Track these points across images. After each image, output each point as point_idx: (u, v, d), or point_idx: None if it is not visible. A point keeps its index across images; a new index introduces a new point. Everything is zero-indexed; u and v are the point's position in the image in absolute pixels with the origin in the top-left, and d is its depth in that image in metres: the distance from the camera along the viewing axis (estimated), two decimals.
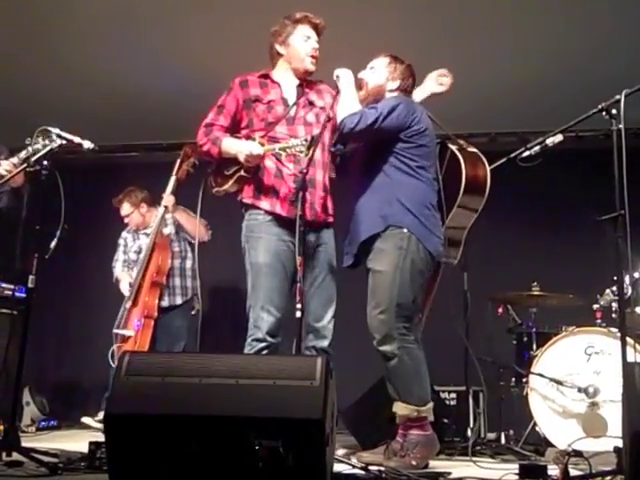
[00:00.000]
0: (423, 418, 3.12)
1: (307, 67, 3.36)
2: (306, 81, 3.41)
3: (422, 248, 3.17)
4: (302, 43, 3.35)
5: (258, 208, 3.25)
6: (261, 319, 3.15)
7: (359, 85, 3.34)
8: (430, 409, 3.15)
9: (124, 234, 5.19)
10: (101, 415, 4.74)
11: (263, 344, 3.14)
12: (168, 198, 4.69)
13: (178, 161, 4.68)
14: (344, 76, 3.29)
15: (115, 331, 4.53)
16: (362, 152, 3.37)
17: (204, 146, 3.31)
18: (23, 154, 3.32)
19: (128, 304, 4.61)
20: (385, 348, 3.10)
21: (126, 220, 5.08)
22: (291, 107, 3.30)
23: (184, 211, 4.87)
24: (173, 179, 4.67)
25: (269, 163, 3.26)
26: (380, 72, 3.37)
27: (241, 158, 3.16)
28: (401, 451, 3.10)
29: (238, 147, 3.20)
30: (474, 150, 3.40)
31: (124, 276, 5.01)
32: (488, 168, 3.36)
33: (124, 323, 4.55)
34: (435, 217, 3.27)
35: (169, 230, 4.95)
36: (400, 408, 3.13)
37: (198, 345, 3.75)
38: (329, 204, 3.36)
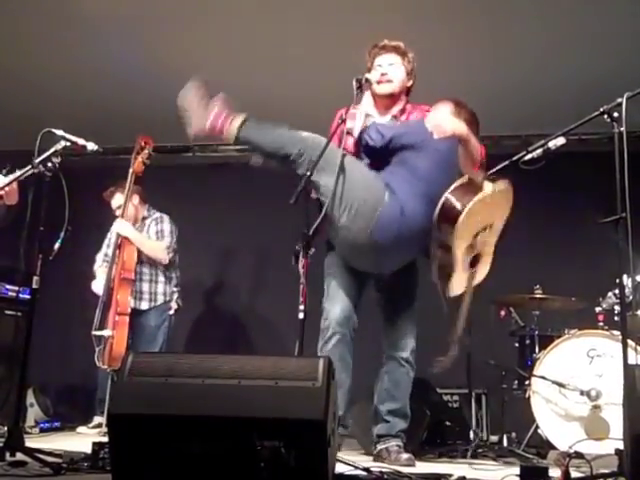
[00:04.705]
0: None
1: (377, 92, 3.49)
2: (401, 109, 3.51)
3: None
4: (373, 73, 3.49)
5: None
6: (328, 311, 3.36)
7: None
8: None
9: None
10: (96, 420, 4.73)
11: (330, 332, 3.31)
12: (123, 228, 4.73)
13: (133, 154, 4.66)
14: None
15: (93, 333, 4.46)
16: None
17: None
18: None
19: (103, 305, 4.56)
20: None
21: (118, 212, 4.95)
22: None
23: (141, 237, 4.87)
24: (130, 172, 4.64)
25: None
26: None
27: None
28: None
29: None
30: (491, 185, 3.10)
31: (99, 273, 4.97)
32: (467, 209, 3.01)
33: (100, 324, 4.50)
34: None
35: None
36: None
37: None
38: None
